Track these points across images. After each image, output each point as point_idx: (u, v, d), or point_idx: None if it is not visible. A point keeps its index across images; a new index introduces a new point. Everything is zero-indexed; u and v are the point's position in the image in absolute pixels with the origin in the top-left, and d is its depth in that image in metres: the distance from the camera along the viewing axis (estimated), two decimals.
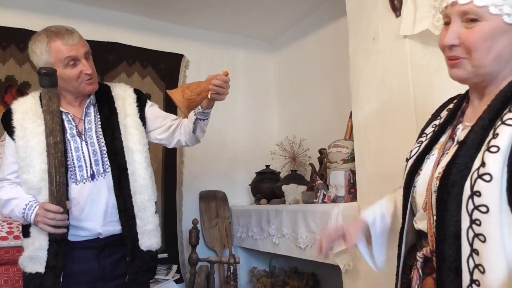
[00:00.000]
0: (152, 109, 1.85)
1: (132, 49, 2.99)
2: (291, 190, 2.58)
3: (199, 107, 1.68)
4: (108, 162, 1.66)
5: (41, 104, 1.61)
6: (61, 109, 1.64)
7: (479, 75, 0.89)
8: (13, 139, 1.60)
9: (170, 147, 1.93)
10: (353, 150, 2.14)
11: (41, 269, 1.57)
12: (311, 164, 2.80)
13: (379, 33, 1.93)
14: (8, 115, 1.63)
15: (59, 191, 1.51)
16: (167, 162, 3.00)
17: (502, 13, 0.83)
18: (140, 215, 1.68)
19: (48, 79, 1.47)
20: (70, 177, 1.61)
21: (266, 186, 2.97)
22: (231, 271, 2.76)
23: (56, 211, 1.49)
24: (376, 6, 1.95)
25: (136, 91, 1.83)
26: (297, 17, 3.20)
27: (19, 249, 2.06)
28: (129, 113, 1.76)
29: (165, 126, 1.83)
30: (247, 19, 3.22)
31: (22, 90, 2.59)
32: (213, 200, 3.16)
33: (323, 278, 2.87)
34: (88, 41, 3.03)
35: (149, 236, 1.70)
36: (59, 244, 1.57)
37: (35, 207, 1.53)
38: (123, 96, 1.78)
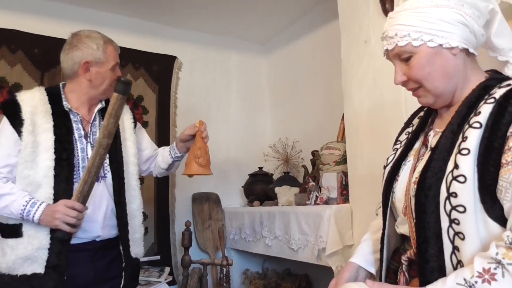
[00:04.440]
0: (140, 131, 1.96)
1: (125, 50, 2.95)
2: (284, 192, 2.58)
3: (178, 151, 1.91)
4: (108, 168, 1.69)
5: (49, 100, 1.64)
6: (72, 108, 1.68)
7: (439, 94, 0.96)
8: (19, 131, 1.55)
9: (142, 175, 2.03)
10: (345, 152, 2.15)
11: (40, 270, 1.53)
12: (303, 166, 2.81)
13: (371, 36, 1.95)
14: (15, 105, 1.58)
15: (89, 191, 1.53)
16: None
17: (424, 41, 0.92)
18: (131, 223, 1.74)
19: (126, 87, 1.58)
20: (74, 177, 1.61)
21: (259, 188, 2.97)
22: (224, 273, 2.76)
23: (81, 209, 1.50)
24: (368, 9, 1.97)
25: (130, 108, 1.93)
26: (290, 19, 3.22)
27: None
28: (126, 126, 1.83)
29: (146, 152, 1.95)
30: (240, 21, 3.22)
31: (13, 91, 2.57)
32: (206, 202, 3.15)
33: (315, 279, 2.87)
34: None
35: (136, 244, 1.76)
36: (63, 243, 1.55)
37: (39, 204, 1.51)
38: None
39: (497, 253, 0.77)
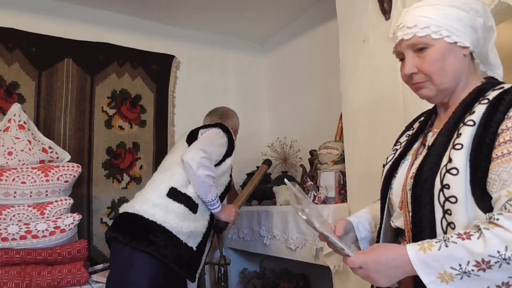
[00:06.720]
0: None
1: (123, 49, 2.97)
2: (282, 191, 2.58)
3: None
4: None
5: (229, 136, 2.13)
6: None
7: (442, 90, 1.00)
8: (230, 152, 2.09)
9: None
10: (343, 151, 2.15)
11: (194, 246, 1.88)
12: (301, 166, 2.81)
13: (369, 35, 1.95)
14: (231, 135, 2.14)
15: None
16: (157, 162, 2.98)
17: (443, 36, 0.96)
18: None
19: (271, 164, 2.63)
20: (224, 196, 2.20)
21: (257, 187, 2.96)
22: (222, 272, 2.76)
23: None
24: (366, 9, 1.97)
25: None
26: (288, 18, 3.21)
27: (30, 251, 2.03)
28: None
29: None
30: (239, 21, 3.22)
31: (11, 90, 2.56)
32: None
33: (313, 279, 2.88)
34: (78, 41, 3.01)
35: None
36: (208, 234, 1.99)
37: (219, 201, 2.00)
38: None
39: (478, 224, 0.83)
